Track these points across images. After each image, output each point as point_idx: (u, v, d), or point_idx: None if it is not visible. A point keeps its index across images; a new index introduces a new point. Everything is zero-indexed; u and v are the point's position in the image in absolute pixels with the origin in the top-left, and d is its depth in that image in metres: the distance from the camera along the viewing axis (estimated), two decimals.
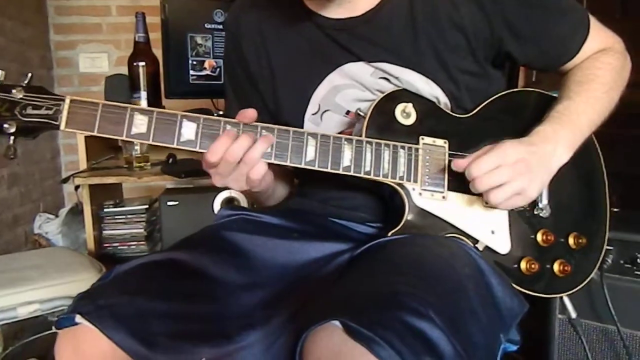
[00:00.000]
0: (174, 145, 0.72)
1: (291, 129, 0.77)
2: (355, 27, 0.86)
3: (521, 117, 0.89)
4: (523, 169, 0.76)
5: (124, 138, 0.70)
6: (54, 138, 2.70)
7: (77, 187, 1.65)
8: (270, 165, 0.76)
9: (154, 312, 0.70)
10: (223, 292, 0.77)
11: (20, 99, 0.68)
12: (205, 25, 1.81)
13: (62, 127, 0.69)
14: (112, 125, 0.71)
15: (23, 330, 1.93)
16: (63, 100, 0.69)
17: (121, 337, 0.66)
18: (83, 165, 1.67)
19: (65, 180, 1.68)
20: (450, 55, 0.85)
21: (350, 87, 0.89)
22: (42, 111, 0.68)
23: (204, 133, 0.74)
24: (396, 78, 0.86)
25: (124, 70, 1.75)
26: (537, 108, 0.89)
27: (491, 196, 0.77)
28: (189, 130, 0.73)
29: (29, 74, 0.68)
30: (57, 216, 2.29)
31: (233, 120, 0.75)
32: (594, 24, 0.89)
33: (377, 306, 0.61)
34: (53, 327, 0.72)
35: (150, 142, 0.72)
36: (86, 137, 1.67)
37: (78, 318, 0.68)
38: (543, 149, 0.79)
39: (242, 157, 0.73)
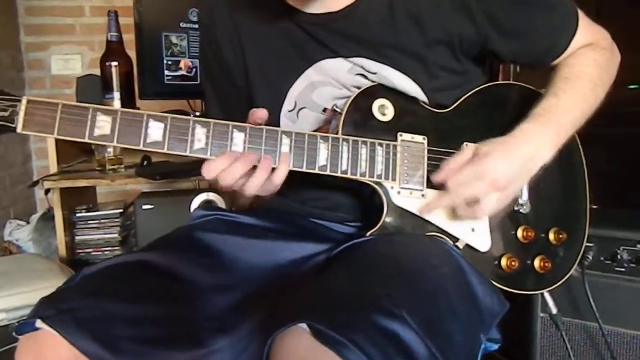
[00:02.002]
0: (140, 147, 0.69)
1: (264, 127, 0.74)
2: (333, 22, 0.84)
3: (502, 111, 0.88)
4: (501, 183, 0.76)
5: (86, 140, 0.67)
6: (25, 142, 2.63)
7: (47, 192, 1.60)
8: None
9: (119, 316, 0.67)
10: (194, 294, 0.75)
11: None
12: (181, 25, 1.78)
13: (19, 129, 0.65)
14: (72, 127, 0.67)
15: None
16: (19, 100, 0.65)
17: (84, 342, 0.63)
18: (54, 168, 1.62)
19: (34, 184, 1.62)
20: (429, 52, 0.83)
21: (326, 85, 0.87)
22: None
23: (172, 133, 0.70)
24: (374, 74, 0.84)
25: (98, 72, 1.70)
26: (518, 102, 0.88)
27: (468, 209, 0.78)
28: (156, 130, 0.70)
29: None
30: (28, 223, 2.22)
31: (203, 119, 0.72)
32: (582, 18, 0.88)
33: (348, 307, 0.59)
34: (14, 333, 0.69)
35: (115, 143, 0.68)
36: (57, 140, 1.62)
37: (39, 323, 0.65)
38: (525, 152, 0.78)
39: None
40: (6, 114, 0.65)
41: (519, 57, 0.91)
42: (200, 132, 0.71)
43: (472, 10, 0.81)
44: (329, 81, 0.87)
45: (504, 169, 0.76)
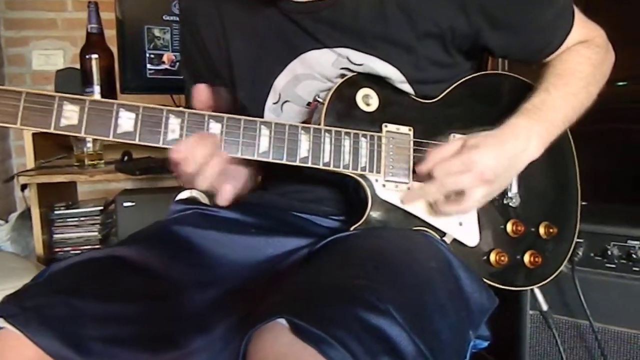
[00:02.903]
0: (110, 138, 0.66)
1: (242, 117, 0.71)
2: (320, 10, 0.80)
3: (491, 103, 0.86)
4: (488, 175, 0.73)
5: (51, 130, 0.63)
6: (5, 139, 2.57)
7: (23, 188, 1.55)
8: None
9: (88, 314, 0.64)
10: (169, 292, 0.72)
11: None
12: (163, 17, 1.74)
13: None
14: (37, 117, 0.63)
15: None
16: None
17: (49, 342, 0.60)
18: (31, 164, 1.57)
19: (10, 179, 1.57)
20: (419, 44, 0.80)
21: (311, 78, 0.84)
22: None
23: (145, 124, 0.67)
24: (359, 66, 0.81)
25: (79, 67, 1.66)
26: (508, 93, 0.86)
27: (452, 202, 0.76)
28: (127, 121, 0.66)
29: None
30: (7, 221, 2.16)
31: (175, 109, 0.68)
32: (578, 15, 0.86)
33: (329, 302, 0.56)
34: None
35: (83, 134, 0.65)
36: (34, 135, 1.57)
37: (1, 322, 0.62)
38: (514, 147, 0.76)
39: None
40: None
41: (511, 52, 0.88)
42: (174, 123, 0.68)
43: (466, 3, 0.78)
44: (313, 75, 0.84)
45: (492, 163, 0.74)
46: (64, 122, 0.64)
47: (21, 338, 0.61)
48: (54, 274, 0.70)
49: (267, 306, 0.57)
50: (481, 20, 0.80)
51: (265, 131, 0.71)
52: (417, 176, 0.79)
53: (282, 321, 0.53)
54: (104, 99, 0.66)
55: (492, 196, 0.78)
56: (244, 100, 0.89)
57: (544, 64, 0.87)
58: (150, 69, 1.74)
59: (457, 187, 0.74)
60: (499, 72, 0.90)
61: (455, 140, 0.78)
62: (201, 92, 0.85)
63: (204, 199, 1.55)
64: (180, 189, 1.47)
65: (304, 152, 0.73)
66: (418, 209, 0.79)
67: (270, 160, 0.72)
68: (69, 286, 0.67)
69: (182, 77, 1.74)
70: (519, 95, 0.81)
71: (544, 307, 1.05)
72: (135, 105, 0.67)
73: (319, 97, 0.81)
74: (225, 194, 0.76)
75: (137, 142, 0.66)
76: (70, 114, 0.64)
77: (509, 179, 0.81)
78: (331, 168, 0.75)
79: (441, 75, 0.84)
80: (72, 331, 0.62)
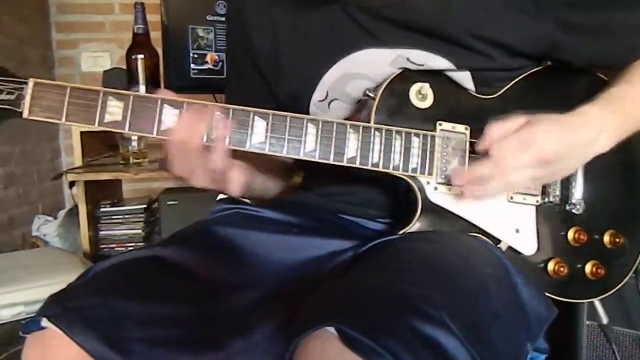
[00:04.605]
0: (154, 135, 0.64)
1: (289, 114, 0.68)
2: (381, 8, 0.76)
3: (557, 98, 0.79)
4: (547, 155, 0.67)
5: (95, 126, 0.62)
6: (54, 138, 2.66)
7: (71, 185, 1.58)
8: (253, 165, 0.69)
9: (130, 315, 0.63)
10: (210, 293, 0.70)
11: None
12: (207, 17, 1.75)
13: (25, 114, 0.61)
14: (82, 112, 0.62)
15: (19, 336, 1.87)
16: (26, 83, 0.61)
17: (92, 343, 0.60)
18: (79, 162, 1.61)
19: (59, 176, 1.62)
20: (484, 48, 0.76)
21: (363, 78, 0.80)
22: (3, 96, 0.60)
23: None
24: (420, 66, 0.77)
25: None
26: (576, 88, 0.80)
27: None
28: (170, 117, 0.64)
29: None
30: (55, 218, 2.23)
31: (221, 104, 0.66)
32: None
33: (380, 310, 0.53)
34: (20, 332, 0.66)
35: (127, 131, 0.63)
36: (82, 134, 1.61)
37: (44, 322, 0.62)
38: (581, 135, 0.69)
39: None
40: (12, 97, 0.60)
41: (592, 60, 0.81)
42: (217, 119, 0.66)
43: (542, 11, 0.73)
44: (366, 74, 0.80)
45: (554, 144, 0.67)
46: (108, 117, 0.63)
47: (64, 338, 0.60)
48: (98, 273, 0.70)
49: (315, 312, 0.55)
50: (558, 28, 0.75)
51: (312, 129, 0.68)
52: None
53: (331, 329, 0.51)
54: (147, 94, 0.65)
55: (542, 182, 0.73)
56: (286, 96, 0.87)
57: None
58: (194, 69, 1.75)
59: (514, 167, 0.67)
60: (569, 65, 0.82)
61: (517, 117, 0.70)
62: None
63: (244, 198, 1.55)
64: None
65: (352, 151, 0.69)
66: (471, 213, 0.74)
67: (316, 159, 0.69)
68: (111, 287, 0.67)
69: (224, 77, 1.76)
70: (591, 90, 0.75)
71: (604, 320, 0.99)
72: (180, 100, 0.65)
73: (369, 90, 0.77)
74: (236, 177, 0.69)
75: None
76: (114, 110, 0.63)
77: (568, 168, 0.73)
78: (380, 169, 0.71)
79: (506, 75, 0.79)
80: (115, 332, 0.61)
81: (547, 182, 0.75)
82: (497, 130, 0.69)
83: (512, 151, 0.67)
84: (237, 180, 0.69)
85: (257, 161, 0.78)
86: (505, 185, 0.70)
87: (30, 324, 0.63)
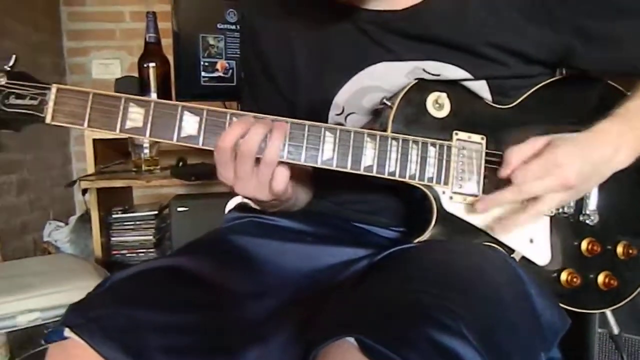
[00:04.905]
0: (174, 142, 0.65)
1: (307, 122, 0.69)
2: (394, 22, 0.77)
3: (574, 108, 0.79)
4: (572, 181, 0.68)
5: (117, 133, 0.63)
6: (65, 145, 2.67)
7: (84, 192, 1.60)
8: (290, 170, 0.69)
9: (149, 325, 0.64)
10: (227, 302, 0.71)
11: (3, 86, 0.60)
12: (218, 26, 1.76)
13: (48, 119, 0.62)
14: (104, 118, 0.63)
15: (31, 341, 1.88)
16: (49, 88, 0.62)
17: (112, 352, 0.61)
18: (91, 169, 1.62)
19: (72, 184, 1.63)
20: (500, 57, 0.76)
21: (379, 90, 0.80)
22: (26, 101, 0.61)
23: (208, 127, 0.66)
24: (436, 76, 0.78)
25: (136, 75, 1.70)
26: (593, 98, 0.80)
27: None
28: (190, 124, 0.65)
29: (13, 56, 0.61)
30: (67, 224, 2.24)
31: (240, 112, 0.67)
32: None
33: (399, 320, 0.53)
34: (42, 341, 0.67)
35: (147, 137, 0.64)
36: (95, 141, 1.62)
37: (67, 332, 0.62)
38: (601, 154, 0.70)
39: (261, 153, 0.65)
40: (35, 102, 0.61)
41: (608, 67, 0.81)
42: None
43: (556, 19, 0.74)
44: (382, 86, 0.80)
45: (577, 167, 0.68)
46: (129, 124, 0.64)
47: (86, 348, 0.61)
48: (116, 283, 0.70)
49: (334, 322, 0.55)
50: (574, 38, 0.75)
51: (329, 137, 0.69)
52: (487, 188, 0.74)
53: (351, 339, 0.51)
54: (168, 101, 0.65)
55: (566, 202, 0.73)
56: (304, 112, 0.86)
57: None
58: (204, 77, 1.76)
59: (535, 193, 0.68)
60: (587, 75, 0.82)
61: (537, 139, 0.71)
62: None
63: (254, 205, 1.55)
64: (232, 194, 1.48)
65: (368, 160, 0.70)
66: (485, 223, 0.74)
67: (334, 168, 0.69)
68: (129, 296, 0.67)
69: (234, 84, 1.78)
70: (608, 101, 0.75)
71: (615, 330, 0.98)
72: (200, 107, 0.66)
73: (386, 98, 0.77)
74: (283, 176, 0.68)
75: (200, 146, 0.65)
76: (135, 116, 0.64)
77: (589, 187, 0.75)
78: (397, 178, 0.71)
79: (522, 82, 0.79)
80: (134, 342, 0.62)
81: (570, 201, 0.76)
82: (518, 155, 0.69)
83: (534, 177, 0.68)
84: (284, 174, 0.68)
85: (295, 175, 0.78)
86: (534, 214, 0.70)
87: (53, 334, 0.64)
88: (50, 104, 0.62)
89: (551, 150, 0.68)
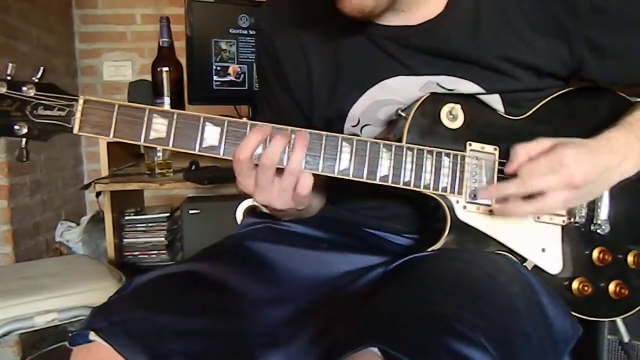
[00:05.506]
0: (196, 152, 0.67)
1: (324, 133, 0.70)
2: (409, 36, 0.78)
3: (585, 120, 0.80)
4: (577, 180, 0.68)
5: (141, 143, 0.64)
6: (77, 145, 2.70)
7: (98, 195, 1.62)
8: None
9: (170, 329, 0.65)
10: (245, 307, 0.72)
11: (31, 97, 0.62)
12: (230, 31, 1.78)
13: (75, 130, 0.64)
14: (129, 129, 0.65)
15: (42, 340, 1.90)
16: (76, 100, 0.64)
17: (136, 355, 0.62)
18: (105, 172, 1.64)
19: (87, 186, 1.65)
20: (513, 71, 0.77)
21: (394, 103, 0.81)
22: (54, 112, 0.63)
23: (229, 138, 0.67)
24: (450, 90, 0.79)
25: (147, 78, 1.72)
26: (603, 109, 0.80)
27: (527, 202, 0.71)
28: (212, 134, 0.67)
29: (41, 68, 0.63)
30: (78, 224, 2.27)
31: (260, 123, 0.69)
32: None
33: (419, 330, 0.54)
34: (66, 344, 0.69)
35: (170, 147, 0.66)
36: (108, 144, 1.64)
37: (92, 335, 0.64)
38: (608, 160, 0.71)
39: (282, 163, 0.67)
40: (63, 113, 0.63)
41: (618, 79, 0.82)
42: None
43: (568, 33, 0.75)
44: (397, 99, 0.81)
45: (584, 167, 0.69)
46: (153, 134, 0.66)
47: (110, 352, 0.62)
48: (137, 288, 0.72)
49: (357, 331, 0.56)
50: (586, 50, 0.76)
51: (346, 147, 0.70)
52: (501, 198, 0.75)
53: (375, 349, 0.52)
54: (191, 113, 0.67)
55: (572, 205, 0.74)
56: (321, 124, 0.88)
57: None
58: (216, 81, 1.78)
59: (539, 188, 0.69)
60: (598, 86, 0.83)
61: (545, 139, 0.72)
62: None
63: (266, 210, 1.56)
64: (242, 197, 1.49)
65: (384, 170, 0.71)
66: (499, 232, 0.76)
67: (350, 177, 0.70)
68: (150, 301, 0.69)
69: (245, 88, 1.79)
70: (616, 111, 0.76)
71: (625, 337, 0.99)
72: (221, 118, 0.68)
73: (401, 109, 0.78)
74: (307, 181, 0.69)
75: (221, 156, 0.67)
76: (159, 127, 0.66)
77: (594, 192, 0.74)
78: (412, 187, 0.73)
79: (534, 95, 0.80)
80: (156, 345, 0.63)
81: (575, 205, 0.76)
82: (524, 152, 0.70)
83: (540, 173, 0.68)
84: (309, 179, 0.69)
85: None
86: (536, 208, 0.71)
87: (78, 337, 0.65)
88: (78, 115, 0.64)
89: (559, 150, 0.69)
